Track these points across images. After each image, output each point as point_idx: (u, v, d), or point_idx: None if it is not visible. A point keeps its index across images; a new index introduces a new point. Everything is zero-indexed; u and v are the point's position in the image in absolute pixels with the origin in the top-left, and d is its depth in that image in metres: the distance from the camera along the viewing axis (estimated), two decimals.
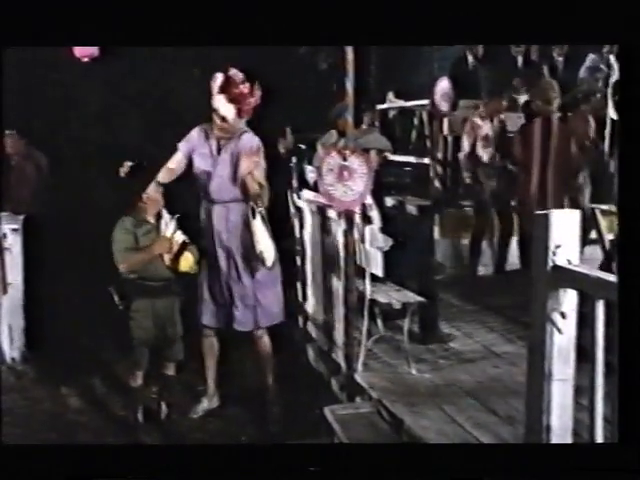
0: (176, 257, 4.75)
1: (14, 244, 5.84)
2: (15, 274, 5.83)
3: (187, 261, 4.76)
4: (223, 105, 4.59)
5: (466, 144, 6.96)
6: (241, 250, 4.73)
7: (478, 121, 6.92)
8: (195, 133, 4.80)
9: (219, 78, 4.60)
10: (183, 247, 4.76)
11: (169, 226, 4.76)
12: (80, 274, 6.38)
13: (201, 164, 4.76)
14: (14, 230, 5.88)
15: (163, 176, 4.75)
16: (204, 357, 4.98)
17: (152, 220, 4.80)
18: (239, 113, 4.62)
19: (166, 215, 4.79)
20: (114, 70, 8.22)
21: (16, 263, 5.85)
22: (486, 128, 6.86)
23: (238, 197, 4.69)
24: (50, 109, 8.55)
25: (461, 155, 7.11)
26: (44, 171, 7.69)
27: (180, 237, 4.77)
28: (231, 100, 4.58)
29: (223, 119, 4.62)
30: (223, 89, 4.58)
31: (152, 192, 4.74)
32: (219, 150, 4.73)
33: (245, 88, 4.59)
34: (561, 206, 5.36)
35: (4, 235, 5.78)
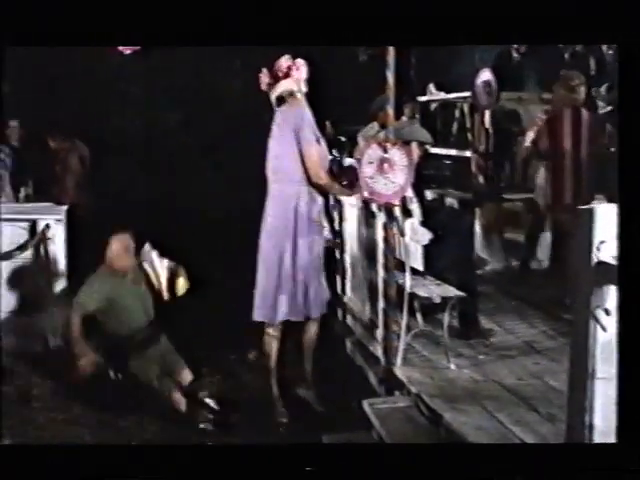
0: (170, 285, 4.80)
1: (58, 234, 5.92)
2: (59, 264, 5.92)
3: (181, 284, 4.84)
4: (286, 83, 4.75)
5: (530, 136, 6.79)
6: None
7: (542, 115, 6.73)
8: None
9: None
10: (172, 273, 4.80)
11: (154, 262, 4.79)
12: None
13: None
14: (58, 221, 5.96)
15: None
16: (266, 356, 4.89)
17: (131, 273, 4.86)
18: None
19: (148, 251, 4.84)
20: (155, 62, 8.29)
21: (60, 253, 5.93)
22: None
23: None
24: (93, 101, 8.65)
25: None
26: (87, 162, 7.79)
27: (165, 264, 4.80)
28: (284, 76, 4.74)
29: (291, 94, 4.74)
30: (275, 76, 4.75)
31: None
32: None
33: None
34: (592, 200, 5.23)
35: (47, 226, 5.86)
